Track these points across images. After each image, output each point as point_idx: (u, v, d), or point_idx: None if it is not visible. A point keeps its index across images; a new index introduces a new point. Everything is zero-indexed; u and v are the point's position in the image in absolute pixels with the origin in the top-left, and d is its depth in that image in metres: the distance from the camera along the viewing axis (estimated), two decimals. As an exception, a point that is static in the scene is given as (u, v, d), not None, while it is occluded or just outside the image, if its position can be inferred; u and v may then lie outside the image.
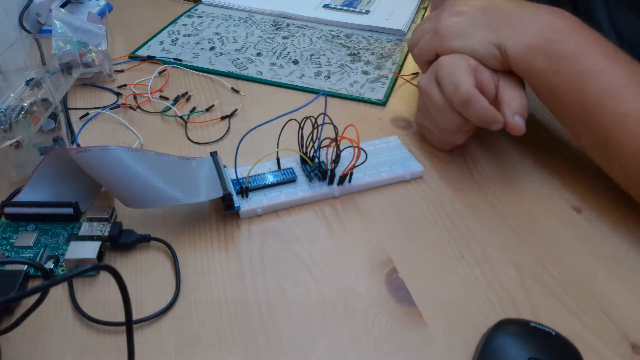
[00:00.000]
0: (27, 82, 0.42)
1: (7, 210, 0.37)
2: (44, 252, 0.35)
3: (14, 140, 0.39)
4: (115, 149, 0.35)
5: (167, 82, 0.55)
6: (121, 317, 0.32)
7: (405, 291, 0.34)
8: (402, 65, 0.60)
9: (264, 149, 0.44)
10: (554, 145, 0.48)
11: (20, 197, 0.38)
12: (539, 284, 0.35)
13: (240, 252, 0.37)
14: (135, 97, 0.52)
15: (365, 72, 0.58)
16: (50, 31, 0.56)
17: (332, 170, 0.40)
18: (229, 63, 0.59)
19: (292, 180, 0.41)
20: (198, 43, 0.63)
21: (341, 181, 0.41)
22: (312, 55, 0.61)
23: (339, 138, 0.39)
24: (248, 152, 0.42)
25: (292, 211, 0.40)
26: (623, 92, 0.36)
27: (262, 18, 0.70)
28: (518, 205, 0.41)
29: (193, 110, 0.51)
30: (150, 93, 0.53)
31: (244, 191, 0.40)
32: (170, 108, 0.51)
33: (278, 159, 0.43)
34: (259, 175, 0.41)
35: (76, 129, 0.48)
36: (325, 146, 0.40)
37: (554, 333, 0.30)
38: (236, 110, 0.51)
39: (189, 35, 0.64)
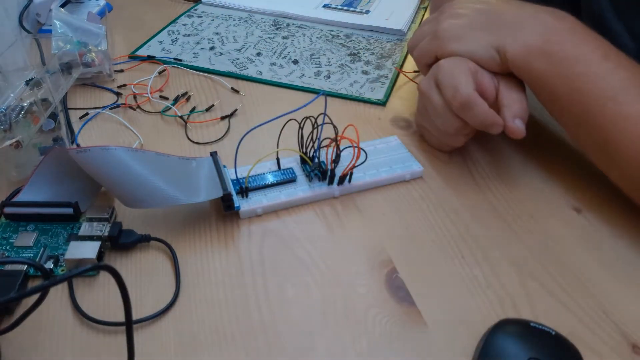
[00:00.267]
0: (27, 82, 0.42)
1: (7, 210, 0.37)
2: (44, 252, 0.35)
3: (14, 140, 0.39)
4: (115, 149, 0.35)
5: (167, 82, 0.55)
6: (121, 317, 0.32)
7: (405, 291, 0.34)
8: (402, 66, 0.60)
9: (264, 149, 0.44)
10: (554, 145, 0.48)
11: (20, 197, 0.38)
12: (539, 284, 0.35)
13: (240, 252, 0.37)
14: (135, 97, 0.52)
15: (365, 72, 0.58)
16: (50, 31, 0.56)
17: (332, 170, 0.40)
18: (229, 63, 0.59)
19: (292, 180, 0.41)
20: (198, 43, 0.63)
21: (341, 181, 0.41)
22: (312, 55, 0.61)
23: (338, 138, 0.39)
24: (248, 152, 0.42)
25: (292, 211, 0.40)
26: (623, 94, 0.36)
27: (262, 18, 0.70)
28: (518, 205, 0.41)
29: (193, 110, 0.51)
30: (150, 93, 0.53)
31: (244, 191, 0.40)
32: (170, 108, 0.51)
33: (278, 159, 0.43)
34: (259, 175, 0.41)
35: (76, 129, 0.48)
36: (325, 146, 0.40)
37: (554, 333, 0.30)
38: (236, 110, 0.51)
39: (188, 35, 0.64)
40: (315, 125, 0.40)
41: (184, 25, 0.67)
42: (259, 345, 0.31)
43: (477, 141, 0.47)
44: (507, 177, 0.44)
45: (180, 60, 0.59)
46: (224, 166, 0.41)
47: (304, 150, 0.41)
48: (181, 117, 0.50)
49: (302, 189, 0.41)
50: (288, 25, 0.68)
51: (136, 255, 0.36)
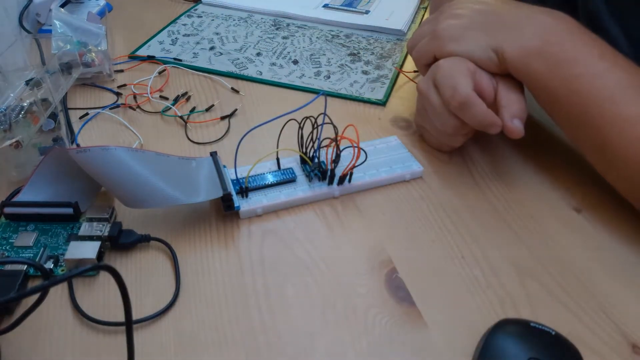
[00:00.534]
0: (27, 82, 0.42)
1: (7, 210, 0.37)
2: (44, 252, 0.35)
3: (13, 140, 0.39)
4: (115, 149, 0.35)
5: (167, 82, 0.55)
6: (121, 317, 0.32)
7: (405, 291, 0.34)
8: (402, 66, 0.60)
9: (264, 149, 0.44)
10: (554, 145, 0.48)
11: (20, 197, 0.38)
12: (539, 284, 0.35)
13: (240, 252, 0.37)
14: (135, 97, 0.52)
15: (365, 72, 0.58)
16: (50, 31, 0.56)
17: (332, 170, 0.40)
18: (228, 63, 0.59)
19: (292, 180, 0.41)
20: (198, 43, 0.63)
21: (341, 181, 0.41)
22: (312, 55, 0.61)
23: (338, 138, 0.39)
24: (248, 152, 0.42)
25: (292, 211, 0.40)
26: (621, 96, 0.36)
27: (262, 18, 0.70)
28: (518, 205, 0.41)
29: (193, 110, 0.51)
30: (150, 93, 0.53)
31: (243, 191, 0.40)
32: (170, 108, 0.51)
33: (278, 159, 0.43)
34: (258, 175, 0.41)
35: (76, 129, 0.48)
36: (325, 146, 0.40)
37: (554, 333, 0.30)
38: (236, 110, 0.51)
39: (188, 35, 0.64)
40: (315, 125, 0.40)
41: (184, 25, 0.67)
42: (259, 345, 0.31)
43: (477, 141, 0.47)
44: (507, 177, 0.44)
45: (180, 60, 0.59)
46: (224, 166, 0.41)
47: (304, 150, 0.41)
48: (181, 117, 0.50)
49: (302, 189, 0.41)
50: (288, 25, 0.68)
51: (136, 255, 0.36)
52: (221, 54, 0.61)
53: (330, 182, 0.41)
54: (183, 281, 0.34)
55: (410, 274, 0.35)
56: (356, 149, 0.38)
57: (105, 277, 0.35)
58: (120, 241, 0.36)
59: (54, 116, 0.42)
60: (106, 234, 0.36)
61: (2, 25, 0.60)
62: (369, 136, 0.48)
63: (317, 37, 0.65)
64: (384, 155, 0.45)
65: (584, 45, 0.37)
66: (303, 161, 0.43)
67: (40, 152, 0.42)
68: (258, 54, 0.61)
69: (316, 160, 0.41)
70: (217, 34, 0.65)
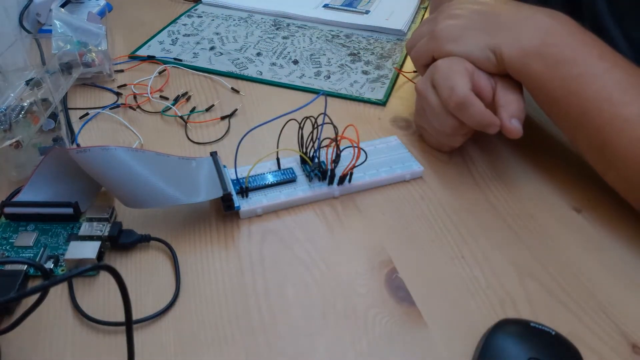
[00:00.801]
0: (27, 82, 0.42)
1: (7, 210, 0.37)
2: (44, 252, 0.35)
3: (14, 140, 0.39)
4: (115, 149, 0.35)
5: (167, 82, 0.55)
6: (121, 317, 0.32)
7: (405, 291, 0.34)
8: (402, 66, 0.60)
9: (264, 149, 0.44)
10: (553, 145, 0.48)
11: (20, 197, 0.38)
12: (539, 284, 0.35)
13: (240, 252, 0.37)
14: (135, 97, 0.52)
15: (365, 72, 0.58)
16: (50, 31, 0.56)
17: (332, 170, 0.40)
18: (229, 63, 0.59)
19: (292, 180, 0.41)
20: (198, 43, 0.63)
21: (341, 181, 0.41)
22: (312, 55, 0.61)
23: (339, 138, 0.39)
24: (248, 152, 0.42)
25: (292, 211, 0.40)
26: (621, 96, 0.35)
27: (262, 18, 0.70)
28: (518, 205, 0.41)
29: (193, 110, 0.51)
30: (150, 93, 0.53)
31: (244, 191, 0.40)
32: (170, 108, 0.51)
33: (278, 159, 0.43)
34: (259, 175, 0.41)
35: (76, 129, 0.48)
36: (325, 146, 0.40)
37: (554, 333, 0.30)
38: (236, 110, 0.51)
39: (189, 35, 0.64)
40: (315, 125, 0.40)
41: (184, 25, 0.67)
42: (259, 345, 0.31)
43: (477, 142, 0.47)
44: (507, 177, 0.44)
45: (180, 60, 0.59)
46: (224, 166, 0.41)
47: (304, 150, 0.41)
48: (181, 117, 0.50)
49: (302, 189, 0.41)
50: (288, 25, 0.68)
51: (136, 255, 0.36)
52: (221, 54, 0.61)
53: (330, 182, 0.41)
54: (183, 281, 0.34)
55: (410, 274, 0.35)
56: (356, 149, 0.38)
57: (105, 277, 0.35)
58: (120, 241, 0.36)
59: (54, 116, 0.42)
60: (106, 234, 0.36)
61: (2, 25, 0.60)
62: (369, 136, 0.48)
63: (317, 37, 0.65)
64: (384, 155, 0.45)
65: (583, 46, 0.37)
66: (303, 161, 0.43)
67: (40, 152, 0.42)
68: (258, 54, 0.61)
69: (316, 160, 0.41)
70: (217, 34, 0.65)
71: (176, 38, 0.64)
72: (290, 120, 0.41)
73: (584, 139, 0.38)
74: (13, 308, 0.32)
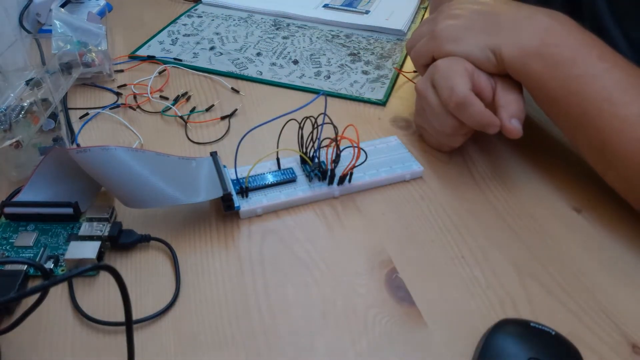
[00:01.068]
0: (27, 82, 0.42)
1: (7, 210, 0.37)
2: (44, 252, 0.35)
3: (14, 140, 0.39)
4: (115, 149, 0.35)
5: (167, 82, 0.55)
6: (121, 317, 0.32)
7: (405, 291, 0.34)
8: (402, 66, 0.60)
9: (264, 149, 0.44)
10: (553, 145, 0.48)
11: (20, 197, 0.38)
12: (539, 284, 0.35)
13: (240, 252, 0.37)
14: (135, 97, 0.52)
15: (365, 72, 0.58)
16: (50, 31, 0.56)
17: (332, 170, 0.40)
18: (229, 63, 0.59)
19: (292, 180, 0.41)
20: (198, 43, 0.63)
21: (341, 181, 0.41)
22: (312, 55, 0.61)
23: (338, 138, 0.39)
24: (248, 152, 0.42)
25: (292, 211, 0.40)
26: (620, 96, 0.35)
27: (262, 18, 0.70)
28: (518, 205, 0.41)
29: (193, 110, 0.51)
30: (150, 93, 0.53)
31: (244, 191, 0.40)
32: (170, 108, 0.51)
33: (278, 159, 0.43)
34: (259, 175, 0.41)
35: (76, 129, 0.48)
36: (325, 146, 0.40)
37: (554, 333, 0.30)
38: (236, 110, 0.51)
39: (189, 35, 0.64)
40: (315, 125, 0.40)
41: (184, 25, 0.67)
42: (259, 345, 0.31)
43: (477, 142, 0.47)
44: (507, 177, 0.44)
45: (180, 60, 0.59)
46: (224, 166, 0.41)
47: (304, 150, 0.41)
48: (181, 117, 0.50)
49: (302, 189, 0.41)
50: (288, 25, 0.68)
51: (136, 255, 0.36)
52: (221, 54, 0.61)
53: (330, 182, 0.41)
54: (183, 281, 0.34)
55: (410, 274, 0.35)
56: (356, 149, 0.38)
57: (105, 277, 0.35)
58: (120, 241, 0.36)
59: (54, 116, 0.42)
60: (106, 234, 0.36)
61: (2, 25, 0.60)
62: (369, 136, 0.48)
63: (317, 37, 0.65)
64: (384, 155, 0.45)
65: (583, 46, 0.37)
66: (303, 161, 0.43)
67: (40, 152, 0.42)
68: (258, 54, 0.61)
69: (316, 160, 0.41)
70: (217, 34, 0.65)
71: (176, 38, 0.64)
72: (290, 120, 0.41)
73: (584, 139, 0.38)
74: (13, 308, 0.32)
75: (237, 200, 0.39)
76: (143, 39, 0.63)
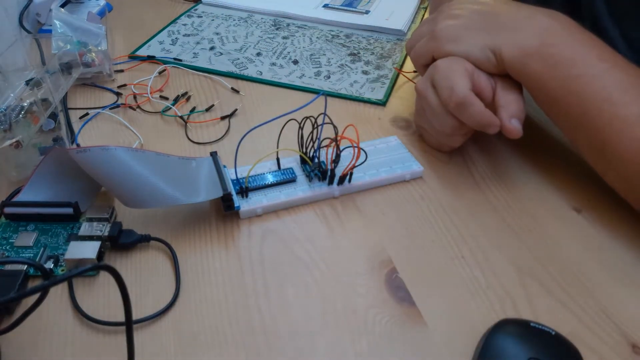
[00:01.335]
0: (27, 82, 0.42)
1: (7, 210, 0.37)
2: (44, 252, 0.35)
3: (14, 140, 0.39)
4: (115, 149, 0.35)
5: (167, 82, 0.55)
6: (121, 317, 0.32)
7: (405, 291, 0.34)
8: (402, 66, 0.60)
9: (264, 149, 0.44)
10: (553, 145, 0.48)
11: (20, 197, 0.38)
12: (539, 284, 0.35)
13: (240, 252, 0.37)
14: (135, 97, 0.52)
15: (365, 72, 0.58)
16: (50, 31, 0.56)
17: (332, 170, 0.40)
18: (229, 63, 0.59)
19: (292, 180, 0.41)
20: (198, 43, 0.63)
21: (341, 181, 0.41)
22: (312, 55, 0.61)
23: (338, 138, 0.39)
24: (248, 152, 0.42)
25: (292, 211, 0.40)
26: (620, 96, 0.35)
27: (262, 18, 0.70)
28: (518, 205, 0.41)
29: (193, 110, 0.51)
30: (150, 93, 0.53)
31: (244, 191, 0.40)
32: (170, 108, 0.51)
33: (278, 159, 0.43)
34: (258, 175, 0.41)
35: (76, 129, 0.48)
36: (325, 146, 0.40)
37: (554, 333, 0.30)
38: (236, 110, 0.51)
39: (189, 35, 0.64)
40: (315, 125, 0.40)
41: (184, 25, 0.67)
42: (259, 345, 0.31)
43: (477, 142, 0.47)
44: (507, 177, 0.44)
45: (180, 60, 0.59)
46: (224, 166, 0.41)
47: (304, 150, 0.41)
48: (181, 117, 0.50)
49: (302, 189, 0.41)
50: (288, 25, 0.68)
51: (136, 255, 0.36)
52: (221, 54, 0.61)
53: (330, 182, 0.41)
54: (183, 281, 0.34)
55: (410, 274, 0.35)
56: (356, 149, 0.38)
57: (105, 277, 0.35)
58: (120, 241, 0.36)
59: (54, 116, 0.42)
60: (106, 234, 0.36)
61: (2, 25, 0.60)
62: (369, 136, 0.48)
63: (317, 37, 0.65)
64: (384, 155, 0.45)
65: (583, 46, 0.37)
66: (303, 161, 0.43)
67: (40, 152, 0.42)
68: (258, 54, 0.61)
69: (316, 160, 0.41)
70: (217, 34, 0.65)
71: (176, 38, 0.64)
72: (290, 120, 0.41)
73: (584, 139, 0.38)
74: (13, 308, 0.32)
75: (237, 200, 0.39)
76: (143, 39, 0.63)
